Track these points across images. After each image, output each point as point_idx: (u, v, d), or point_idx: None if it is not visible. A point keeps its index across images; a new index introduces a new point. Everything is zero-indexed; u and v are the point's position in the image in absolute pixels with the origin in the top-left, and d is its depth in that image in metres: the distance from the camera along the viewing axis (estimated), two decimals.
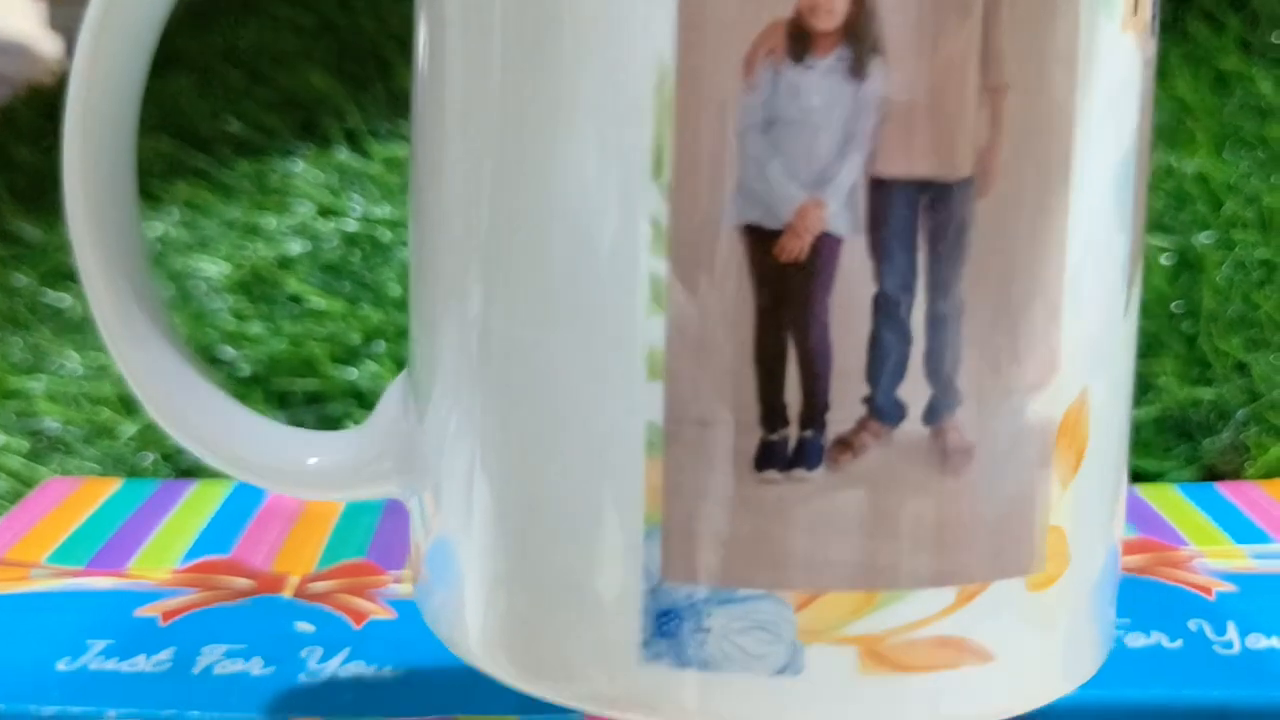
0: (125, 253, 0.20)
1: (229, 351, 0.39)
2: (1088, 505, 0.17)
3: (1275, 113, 0.43)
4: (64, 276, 0.46)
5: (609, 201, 0.16)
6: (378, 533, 0.32)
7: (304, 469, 0.20)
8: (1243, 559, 0.30)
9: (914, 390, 0.16)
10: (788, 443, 0.16)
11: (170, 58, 0.57)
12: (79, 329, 0.43)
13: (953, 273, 0.15)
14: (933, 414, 0.16)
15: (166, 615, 0.27)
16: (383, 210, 0.44)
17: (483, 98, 0.16)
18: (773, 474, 0.16)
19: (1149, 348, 0.37)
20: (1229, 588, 0.28)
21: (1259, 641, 0.26)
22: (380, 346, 0.39)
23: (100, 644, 0.26)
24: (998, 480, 0.16)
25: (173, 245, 0.46)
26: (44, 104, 0.60)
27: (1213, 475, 0.36)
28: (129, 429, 0.38)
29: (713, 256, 0.15)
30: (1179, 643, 0.26)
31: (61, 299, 0.45)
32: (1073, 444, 0.17)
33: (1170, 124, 0.43)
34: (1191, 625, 0.27)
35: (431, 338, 0.18)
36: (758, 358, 0.15)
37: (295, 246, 0.43)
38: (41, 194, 0.52)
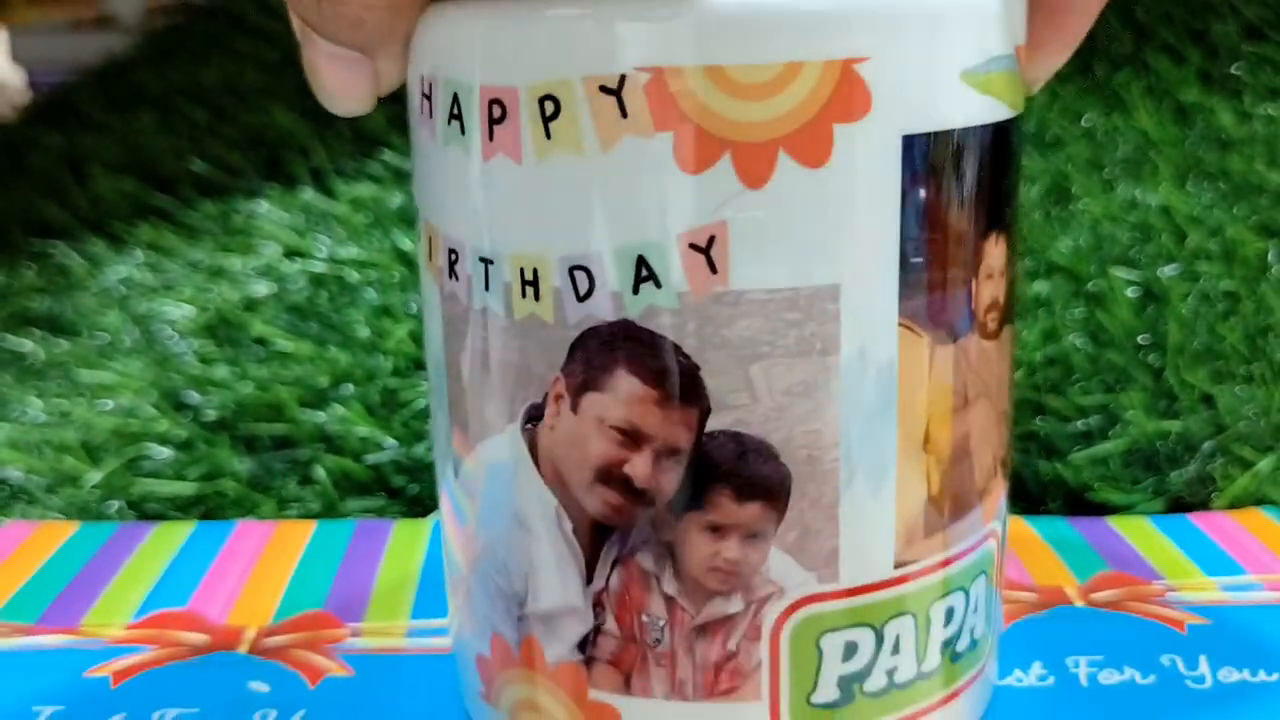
0: None
1: (194, 396, 0.39)
2: None
3: (1236, 144, 0.43)
4: (25, 321, 0.45)
5: None
6: (336, 582, 0.31)
7: None
8: (1214, 591, 0.30)
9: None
10: None
11: (133, 95, 0.57)
12: (41, 375, 0.42)
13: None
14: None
15: (118, 676, 0.27)
16: (349, 251, 0.43)
17: None
18: None
19: (1116, 381, 0.37)
20: (1201, 620, 0.28)
21: (1230, 675, 0.26)
22: (348, 389, 0.39)
23: (49, 710, 0.26)
24: None
25: (137, 288, 0.45)
26: (5, 142, 0.59)
27: (1180, 507, 0.36)
28: (93, 476, 0.37)
29: None
30: (1152, 678, 0.26)
31: (22, 344, 0.44)
32: None
33: (1134, 157, 0.43)
34: (1164, 660, 0.27)
35: None
36: None
37: (261, 288, 0.42)
38: (3, 237, 0.51)
